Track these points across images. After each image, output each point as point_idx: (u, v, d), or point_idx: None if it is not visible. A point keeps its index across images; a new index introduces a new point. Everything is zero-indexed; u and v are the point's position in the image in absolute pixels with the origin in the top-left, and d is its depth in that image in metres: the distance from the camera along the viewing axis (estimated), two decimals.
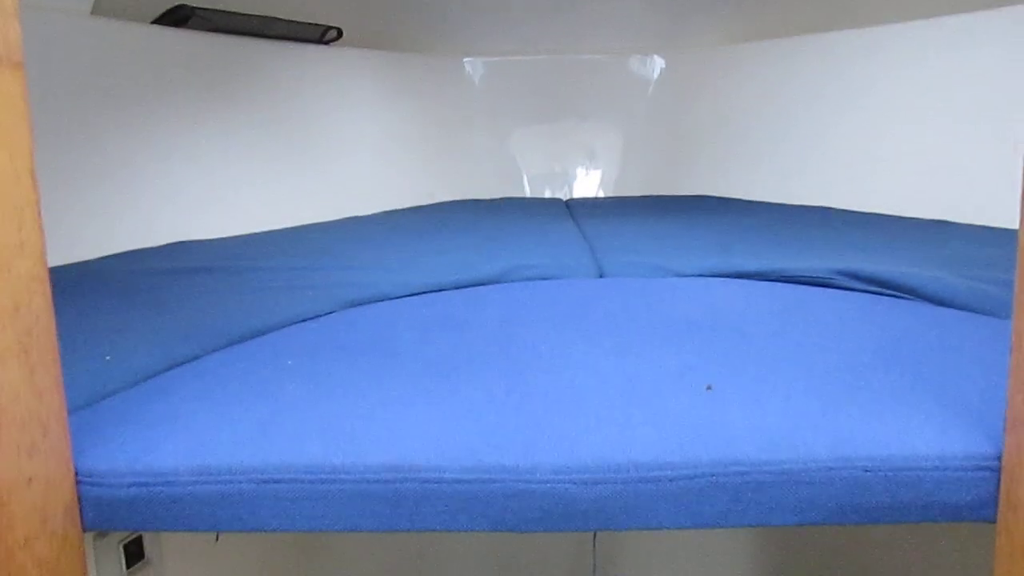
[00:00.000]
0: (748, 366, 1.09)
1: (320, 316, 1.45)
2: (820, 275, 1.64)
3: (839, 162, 2.93)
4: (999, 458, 0.82)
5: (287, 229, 2.60)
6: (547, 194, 3.64)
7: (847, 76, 2.95)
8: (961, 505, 0.83)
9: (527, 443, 0.84)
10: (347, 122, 3.17)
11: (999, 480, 0.81)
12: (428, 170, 3.45)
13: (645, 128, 3.66)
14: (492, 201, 3.43)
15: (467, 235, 2.32)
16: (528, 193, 3.67)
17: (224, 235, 2.47)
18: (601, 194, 3.66)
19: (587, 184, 3.68)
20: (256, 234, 2.50)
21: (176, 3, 2.56)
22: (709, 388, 0.99)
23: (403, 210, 3.12)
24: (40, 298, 0.77)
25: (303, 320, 1.42)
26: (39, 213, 0.77)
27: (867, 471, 0.81)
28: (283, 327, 1.38)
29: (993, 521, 0.83)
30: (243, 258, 2.04)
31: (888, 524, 0.83)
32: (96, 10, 2.32)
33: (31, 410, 0.76)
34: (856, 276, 1.61)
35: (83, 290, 1.69)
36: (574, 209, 3.17)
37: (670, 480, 0.81)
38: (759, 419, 0.88)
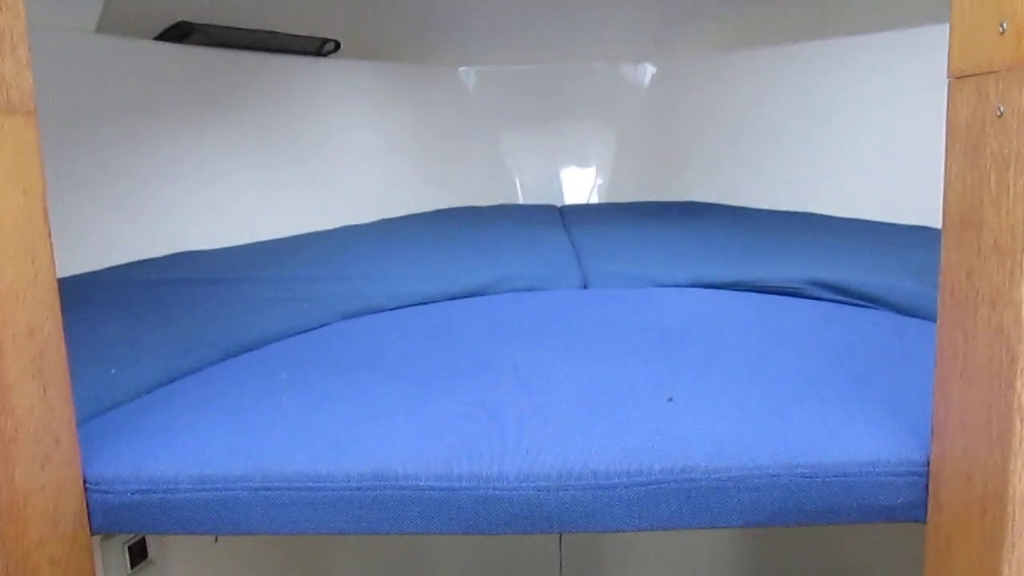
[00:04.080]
0: (710, 376, 1.16)
1: (315, 328, 1.53)
2: (792, 285, 1.72)
3: (823, 168, 3.00)
4: (927, 464, 0.89)
5: (286, 239, 2.68)
6: (541, 200, 3.71)
7: (833, 84, 3.02)
8: (894, 507, 0.90)
9: (496, 453, 0.92)
10: (345, 132, 3.25)
11: (927, 484, 0.89)
12: (424, 178, 3.53)
13: (637, 134, 3.74)
14: (486, 208, 3.51)
15: (459, 245, 2.40)
16: (522, 199, 3.74)
17: (225, 245, 2.55)
18: (594, 199, 3.74)
19: (580, 190, 3.75)
20: (256, 244, 2.58)
21: (177, 19, 2.64)
22: (670, 400, 1.07)
23: (399, 218, 3.20)
24: (51, 323, 0.85)
25: (298, 332, 1.50)
26: (51, 246, 0.85)
27: (806, 476, 0.89)
28: (279, 339, 1.46)
29: (924, 521, 0.90)
30: (242, 269, 2.12)
31: (827, 524, 0.91)
32: (100, 27, 2.41)
33: (44, 424, 0.84)
34: (826, 286, 1.69)
35: (90, 302, 1.76)
36: (566, 215, 3.25)
37: (626, 487, 0.88)
38: (711, 429, 0.96)
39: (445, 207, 3.52)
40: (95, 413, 1.07)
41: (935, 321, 1.50)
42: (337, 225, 2.99)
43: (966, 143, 0.78)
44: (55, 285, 0.86)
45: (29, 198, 0.82)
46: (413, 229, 2.83)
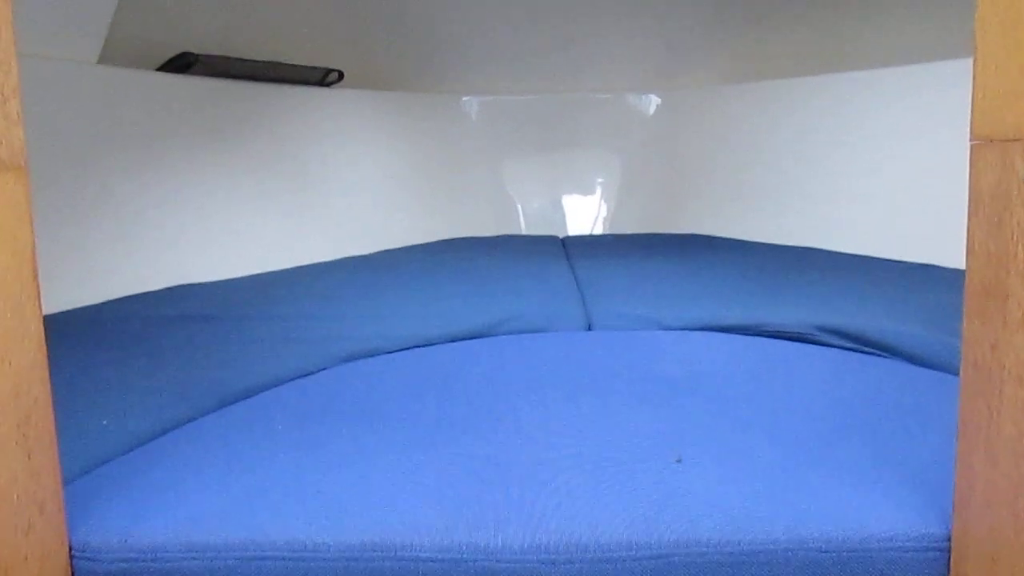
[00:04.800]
0: (719, 433, 1.13)
1: (313, 373, 1.50)
2: (800, 330, 1.69)
3: (828, 203, 2.98)
4: (949, 539, 0.85)
5: (286, 271, 2.66)
6: (544, 231, 3.69)
7: (837, 118, 3.00)
8: None
9: (498, 521, 0.88)
10: (348, 162, 3.23)
11: (948, 561, 0.85)
12: (426, 208, 3.51)
13: (641, 165, 3.72)
14: (488, 239, 3.49)
15: (460, 281, 2.37)
16: (524, 230, 3.72)
17: (226, 276, 2.53)
18: (597, 230, 3.72)
19: (583, 221, 3.73)
20: (257, 276, 2.56)
21: (180, 51, 2.63)
22: (678, 461, 1.03)
23: (400, 249, 3.18)
24: (39, 385, 0.82)
25: (296, 377, 1.47)
26: (39, 306, 0.82)
27: (822, 552, 0.85)
28: (277, 385, 1.43)
29: None
30: (240, 305, 2.09)
31: None
32: (103, 59, 2.39)
33: (28, 491, 0.81)
34: (834, 331, 1.66)
35: (86, 340, 1.73)
36: (569, 248, 3.22)
37: (633, 559, 0.85)
38: (722, 496, 0.93)
39: (447, 237, 3.50)
40: (84, 470, 1.04)
41: (948, 372, 1.48)
42: (338, 256, 2.97)
43: (990, 211, 0.75)
44: (43, 346, 0.83)
45: (17, 258, 0.79)
46: (414, 262, 2.80)
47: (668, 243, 3.21)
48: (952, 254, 2.44)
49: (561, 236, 3.64)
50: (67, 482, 0.95)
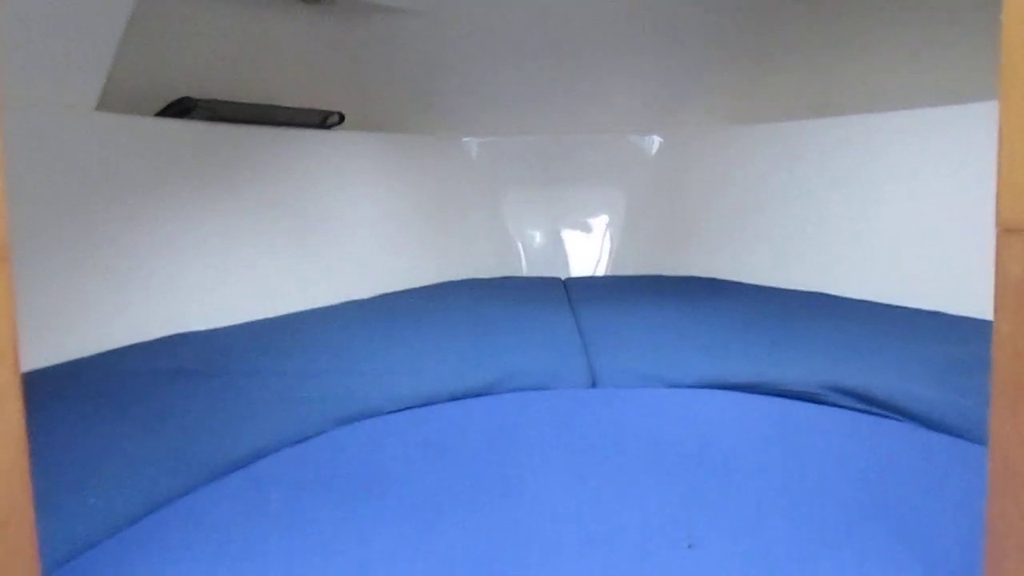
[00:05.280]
0: (731, 510, 1.09)
1: (310, 438, 1.46)
2: (810, 389, 1.65)
3: (832, 246, 2.95)
4: None
5: (286, 317, 2.62)
6: (545, 272, 3.66)
7: (840, 161, 2.98)
8: None
9: None
10: (348, 204, 3.20)
11: None
12: (428, 249, 3.48)
13: (643, 207, 3.69)
14: (490, 281, 3.45)
15: (461, 331, 2.32)
16: (526, 271, 3.69)
17: (225, 322, 2.49)
18: (600, 271, 3.68)
19: (585, 262, 3.70)
20: (255, 323, 2.52)
21: (179, 95, 2.61)
22: (689, 546, 0.99)
23: (402, 292, 3.14)
24: (18, 486, 0.78)
25: (293, 443, 1.43)
26: (21, 398, 0.78)
27: None
28: (273, 451, 1.38)
29: None
30: (237, 357, 2.05)
31: None
32: (101, 104, 2.37)
33: None
34: (845, 391, 1.62)
35: (78, 398, 1.69)
36: (572, 290, 3.19)
37: None
38: None
39: (449, 279, 3.47)
40: (68, 556, 1.00)
41: (962, 437, 1.44)
42: (339, 300, 2.93)
43: (1018, 304, 0.71)
44: (24, 442, 0.79)
45: None
46: (414, 308, 2.76)
47: (671, 286, 3.17)
48: (958, 300, 2.42)
49: (563, 277, 3.61)
50: (48, 573, 0.91)
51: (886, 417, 1.53)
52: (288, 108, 2.99)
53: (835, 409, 1.58)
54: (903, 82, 3.05)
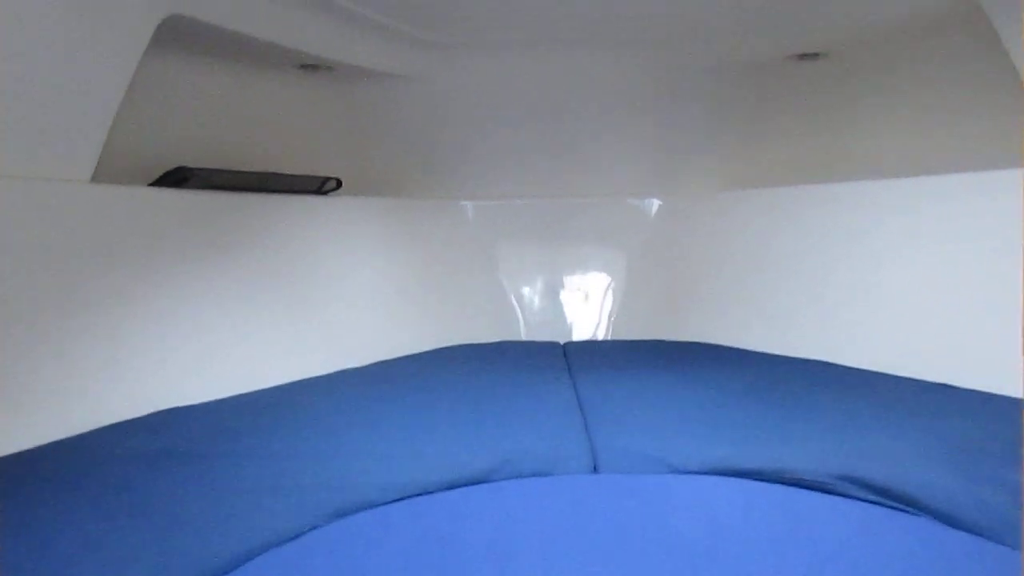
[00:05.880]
0: None
1: (301, 535, 1.40)
2: (821, 479, 1.59)
3: (834, 313, 2.91)
4: None
5: (281, 389, 2.57)
6: (544, 336, 3.61)
7: (841, 227, 2.96)
8: None
9: None
10: (345, 270, 3.17)
11: None
12: (425, 315, 3.44)
13: (643, 270, 3.66)
14: (488, 346, 3.40)
15: (459, 409, 2.24)
16: (525, 335, 3.64)
17: (217, 396, 2.44)
18: (600, 335, 3.64)
19: (584, 326, 3.65)
20: (247, 396, 2.47)
21: (175, 165, 2.59)
22: None
23: (398, 360, 3.09)
24: None
25: (282, 542, 1.37)
26: None
27: None
28: (262, 552, 1.32)
29: None
30: (230, 436, 1.98)
31: None
32: (97, 175, 2.34)
33: None
34: (858, 482, 1.56)
35: (61, 483, 1.63)
36: (571, 357, 3.14)
37: None
38: None
39: (447, 343, 3.42)
40: None
41: (979, 534, 1.38)
42: (335, 368, 2.88)
43: None
44: None
45: None
46: (411, 379, 2.69)
47: (673, 354, 3.12)
48: (966, 373, 2.38)
49: (563, 342, 3.56)
50: None
51: (901, 510, 1.47)
52: (285, 175, 2.97)
53: (848, 500, 1.53)
54: (901, 149, 3.05)
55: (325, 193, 3.19)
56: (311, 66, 3.03)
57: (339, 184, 3.19)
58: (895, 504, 1.49)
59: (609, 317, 3.65)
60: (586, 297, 3.68)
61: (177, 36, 2.52)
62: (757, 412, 2.15)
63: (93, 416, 2.14)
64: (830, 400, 2.26)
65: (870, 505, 1.50)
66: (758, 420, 2.06)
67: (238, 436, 2.00)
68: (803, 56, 3.09)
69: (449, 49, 3.15)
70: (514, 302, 3.68)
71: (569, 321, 3.67)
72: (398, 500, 1.57)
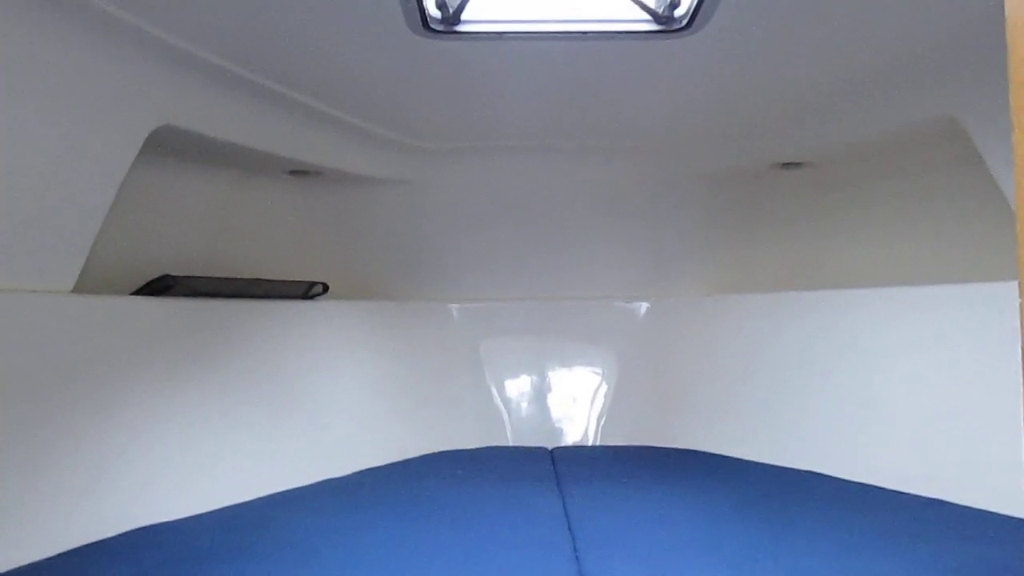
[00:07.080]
0: None
1: None
2: None
3: (827, 423, 2.87)
4: None
5: (260, 503, 2.49)
6: (532, 440, 3.55)
7: (829, 335, 2.95)
8: None
9: None
10: (330, 376, 3.13)
11: None
12: (410, 420, 3.38)
13: (631, 375, 3.63)
14: (475, 452, 3.34)
15: (442, 529, 2.17)
16: (512, 440, 3.57)
17: (196, 510, 2.36)
18: (588, 440, 3.57)
19: (572, 431, 3.59)
20: (226, 511, 2.39)
21: (159, 273, 2.57)
22: None
23: (382, 468, 3.02)
24: None
25: None
26: None
27: None
28: None
29: None
30: (205, 559, 1.91)
31: None
32: (79, 285, 2.31)
33: None
34: None
35: None
36: (559, 464, 3.08)
37: None
38: None
39: (432, 449, 3.35)
40: None
41: None
42: (318, 478, 2.80)
43: None
44: None
45: None
46: (393, 494, 2.61)
47: (662, 462, 3.07)
48: (960, 488, 2.33)
49: (550, 447, 3.50)
50: None
51: None
52: (271, 281, 2.96)
53: None
54: (884, 258, 3.07)
55: (312, 298, 3.17)
56: (300, 171, 3.06)
57: (326, 288, 3.18)
58: None
59: (598, 421, 3.60)
60: (574, 401, 3.64)
61: (167, 145, 2.53)
62: (750, 532, 2.09)
63: (65, 537, 2.06)
64: (824, 518, 2.21)
65: None
66: (752, 541, 2.01)
67: (215, 559, 1.93)
68: (786, 165, 3.14)
69: (439, 155, 3.18)
70: (501, 406, 3.63)
71: (556, 425, 3.61)
72: None
